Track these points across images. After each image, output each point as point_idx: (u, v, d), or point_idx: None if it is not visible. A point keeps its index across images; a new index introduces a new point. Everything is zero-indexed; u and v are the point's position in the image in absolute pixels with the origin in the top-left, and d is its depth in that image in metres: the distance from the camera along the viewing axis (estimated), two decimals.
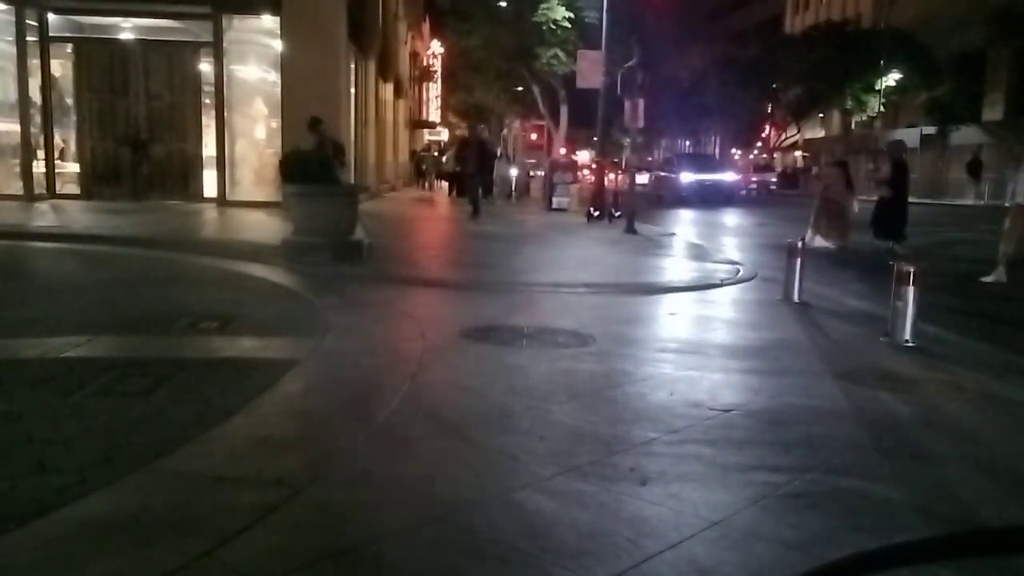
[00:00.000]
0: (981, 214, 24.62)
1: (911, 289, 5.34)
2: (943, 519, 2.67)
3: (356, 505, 2.64)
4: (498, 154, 23.04)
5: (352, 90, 17.50)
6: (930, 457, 3.28)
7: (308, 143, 9.83)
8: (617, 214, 15.61)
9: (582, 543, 2.42)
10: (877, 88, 34.51)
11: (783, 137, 45.33)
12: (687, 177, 24.40)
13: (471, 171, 16.25)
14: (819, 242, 10.55)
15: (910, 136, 31.99)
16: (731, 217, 19.34)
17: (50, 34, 15.10)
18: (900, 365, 4.85)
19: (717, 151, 45.24)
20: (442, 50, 35.47)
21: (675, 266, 9.54)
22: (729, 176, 26.71)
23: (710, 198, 22.65)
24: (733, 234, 15.46)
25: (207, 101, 15.42)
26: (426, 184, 27.62)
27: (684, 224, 16.71)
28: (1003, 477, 3.11)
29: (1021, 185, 8.73)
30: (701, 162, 28.20)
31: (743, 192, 29.21)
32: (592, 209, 16.11)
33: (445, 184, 25.80)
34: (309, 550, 2.31)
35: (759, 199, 29.87)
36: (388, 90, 24.88)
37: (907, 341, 5.34)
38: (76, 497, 2.54)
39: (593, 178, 20.02)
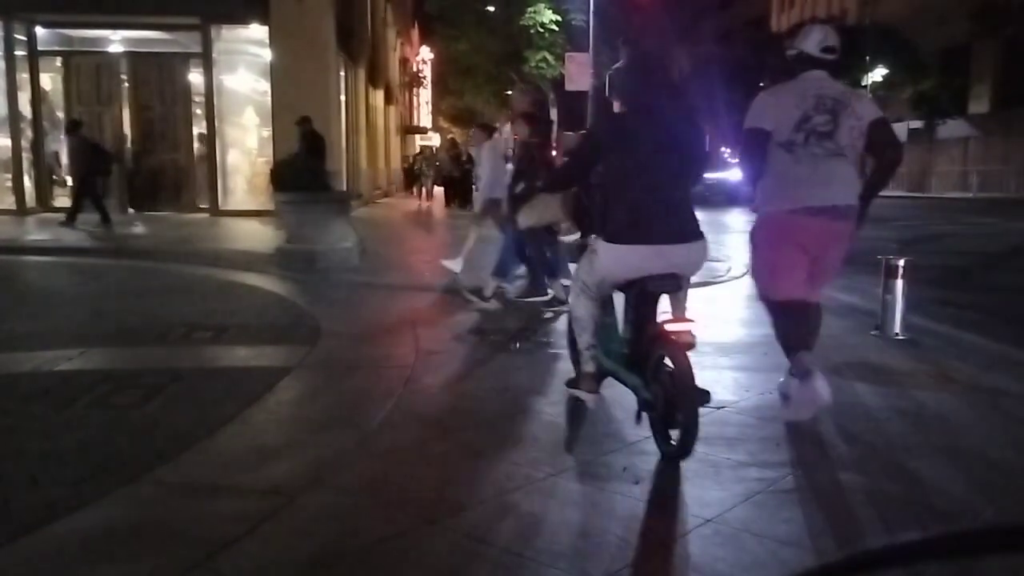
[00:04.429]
0: (970, 206, 24.76)
1: (899, 283, 5.38)
2: (939, 514, 2.69)
3: (351, 511, 2.65)
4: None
5: (342, 97, 17.52)
6: (923, 450, 3.29)
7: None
8: None
9: (576, 543, 2.44)
10: (864, 84, 34.66)
11: None
12: None
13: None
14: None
15: (898, 130, 32.08)
16: (727, 216, 19.37)
17: (39, 48, 15.10)
18: (890, 358, 4.88)
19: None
20: (431, 56, 35.53)
21: None
22: (734, 175, 26.38)
23: (714, 198, 21.58)
24: (725, 231, 15.50)
25: (198, 112, 15.43)
26: (422, 190, 24.50)
27: None
28: (997, 469, 3.13)
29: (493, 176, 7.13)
30: None
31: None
32: None
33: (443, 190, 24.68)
34: (305, 557, 2.32)
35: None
36: (378, 97, 24.90)
37: (897, 334, 5.38)
38: (70, 511, 2.54)
39: None
